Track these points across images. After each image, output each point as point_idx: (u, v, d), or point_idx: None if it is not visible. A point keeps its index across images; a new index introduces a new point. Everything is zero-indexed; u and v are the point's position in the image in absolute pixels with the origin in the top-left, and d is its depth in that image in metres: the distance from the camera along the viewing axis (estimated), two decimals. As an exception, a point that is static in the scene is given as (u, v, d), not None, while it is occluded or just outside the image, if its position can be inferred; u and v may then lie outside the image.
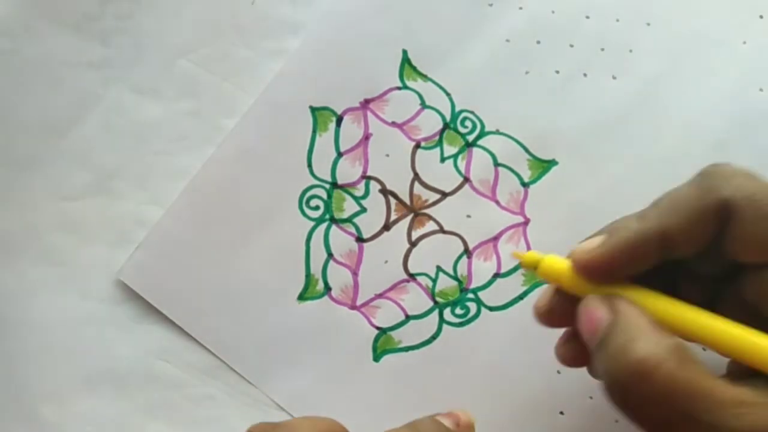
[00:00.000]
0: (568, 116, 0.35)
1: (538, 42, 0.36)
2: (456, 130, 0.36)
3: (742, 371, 0.24)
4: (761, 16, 0.36)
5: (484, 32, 0.36)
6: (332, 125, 0.36)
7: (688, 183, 0.26)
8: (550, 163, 0.35)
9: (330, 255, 0.35)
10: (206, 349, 0.35)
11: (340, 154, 0.36)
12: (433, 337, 0.35)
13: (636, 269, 0.26)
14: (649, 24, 0.36)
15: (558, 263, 0.27)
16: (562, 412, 0.34)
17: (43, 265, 0.36)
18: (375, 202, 0.36)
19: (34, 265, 0.36)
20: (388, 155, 0.36)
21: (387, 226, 0.35)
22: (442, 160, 0.36)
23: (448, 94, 0.36)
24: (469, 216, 0.35)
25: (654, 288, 0.26)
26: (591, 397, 0.33)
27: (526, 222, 0.35)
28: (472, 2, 0.36)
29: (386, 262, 0.35)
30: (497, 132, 0.36)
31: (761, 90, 0.35)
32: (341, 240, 0.35)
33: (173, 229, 0.35)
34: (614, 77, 0.35)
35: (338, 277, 0.35)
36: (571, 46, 0.36)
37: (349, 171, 0.36)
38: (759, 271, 0.25)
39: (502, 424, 0.34)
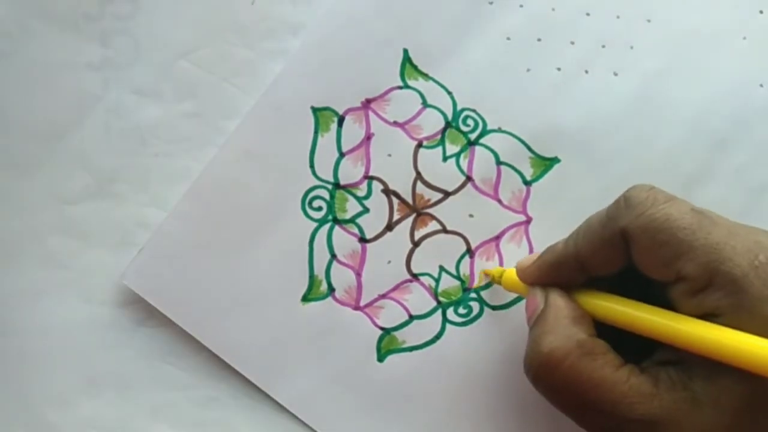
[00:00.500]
0: (569, 113, 0.35)
1: (539, 39, 0.36)
2: (458, 129, 0.36)
3: (665, 360, 0.27)
4: (761, 12, 0.36)
5: (484, 30, 0.36)
6: (334, 125, 0.36)
7: (605, 208, 0.28)
8: (552, 161, 0.35)
9: (333, 256, 0.35)
10: (210, 352, 0.35)
11: (342, 155, 0.36)
12: (437, 337, 0.35)
13: (568, 282, 0.29)
14: (649, 20, 0.36)
15: (514, 274, 0.32)
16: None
17: (45, 268, 0.36)
18: (377, 202, 0.35)
19: (36, 269, 0.35)
20: (390, 155, 0.36)
21: (390, 226, 0.35)
22: (445, 159, 0.35)
23: (449, 93, 0.36)
24: (471, 215, 0.35)
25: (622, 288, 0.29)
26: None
27: (528, 221, 0.35)
28: (472, 1, 0.36)
29: (389, 262, 0.35)
30: (499, 130, 0.36)
31: (761, 86, 0.35)
32: (344, 240, 0.35)
33: (176, 231, 0.35)
34: (615, 74, 0.35)
35: (342, 277, 0.35)
36: (572, 43, 0.36)
37: (351, 171, 0.35)
38: (668, 285, 0.27)
39: (506, 423, 0.35)
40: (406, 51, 0.36)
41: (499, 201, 0.35)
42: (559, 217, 0.35)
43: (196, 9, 0.36)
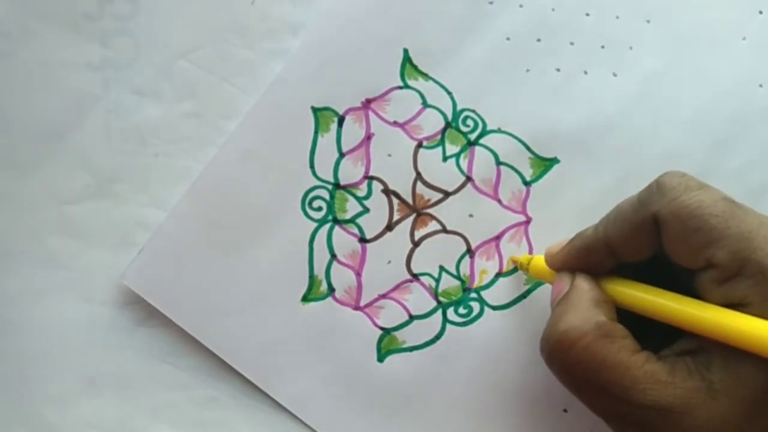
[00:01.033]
0: (569, 114, 0.35)
1: (539, 40, 0.36)
2: (458, 129, 0.36)
3: (684, 350, 0.26)
4: (761, 12, 0.36)
5: (484, 31, 0.36)
6: (334, 125, 0.36)
7: (636, 194, 0.28)
8: (552, 162, 0.35)
9: (333, 256, 0.35)
10: (210, 352, 0.35)
11: (342, 155, 0.36)
12: (437, 337, 0.35)
13: (597, 268, 0.29)
14: (649, 21, 0.36)
15: (542, 261, 0.32)
16: (565, 410, 0.34)
17: (45, 268, 0.36)
18: (377, 202, 0.35)
19: (36, 269, 0.35)
20: (390, 155, 0.36)
21: (390, 227, 0.35)
22: (444, 159, 0.36)
23: (449, 93, 0.36)
24: (471, 215, 0.35)
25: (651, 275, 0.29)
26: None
27: (528, 221, 0.35)
28: (472, 1, 0.36)
29: (389, 262, 0.35)
30: (499, 130, 0.36)
31: (761, 86, 0.35)
32: (344, 241, 0.35)
33: (176, 231, 0.35)
34: (615, 74, 0.36)
35: (342, 277, 0.35)
36: (572, 43, 0.36)
37: (351, 171, 0.35)
38: (697, 272, 0.27)
39: (507, 422, 0.35)
40: (406, 51, 0.36)
41: (499, 201, 0.35)
42: (559, 217, 0.35)
43: (196, 9, 0.36)
